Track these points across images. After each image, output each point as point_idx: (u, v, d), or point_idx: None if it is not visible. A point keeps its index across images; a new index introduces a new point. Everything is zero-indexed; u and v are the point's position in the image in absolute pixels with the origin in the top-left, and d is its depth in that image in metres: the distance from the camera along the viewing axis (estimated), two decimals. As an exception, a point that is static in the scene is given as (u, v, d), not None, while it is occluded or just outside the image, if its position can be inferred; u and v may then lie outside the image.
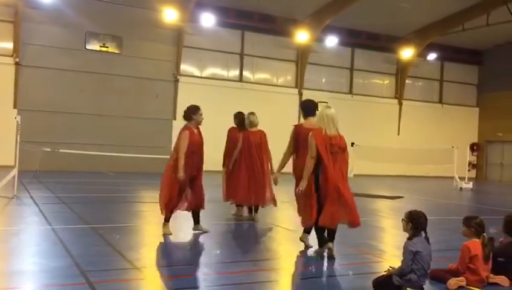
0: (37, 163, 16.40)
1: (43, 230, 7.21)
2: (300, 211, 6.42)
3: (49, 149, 17.14)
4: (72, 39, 20.17)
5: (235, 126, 9.36)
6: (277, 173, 7.12)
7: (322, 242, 6.07)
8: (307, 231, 6.44)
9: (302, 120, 7.07)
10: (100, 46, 20.64)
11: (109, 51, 20.79)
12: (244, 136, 8.65)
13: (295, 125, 6.94)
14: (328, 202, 5.84)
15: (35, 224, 7.71)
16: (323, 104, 8.30)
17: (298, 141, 6.56)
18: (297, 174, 6.46)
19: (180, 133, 7.14)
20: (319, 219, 5.91)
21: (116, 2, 20.44)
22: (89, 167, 19.13)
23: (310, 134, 5.99)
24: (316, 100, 7.28)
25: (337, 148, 5.97)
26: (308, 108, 6.84)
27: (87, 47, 20.47)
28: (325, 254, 5.98)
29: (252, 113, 8.82)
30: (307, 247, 6.40)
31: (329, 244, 5.93)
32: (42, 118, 19.47)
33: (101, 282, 4.60)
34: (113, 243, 6.31)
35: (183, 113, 7.28)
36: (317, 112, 6.59)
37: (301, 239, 6.67)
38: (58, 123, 19.78)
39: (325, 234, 6.11)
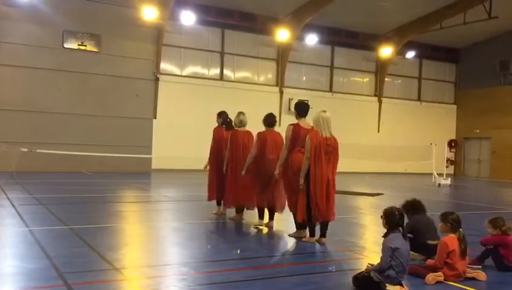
0: (13, 164, 16.11)
1: (20, 232, 7.08)
2: (293, 207, 6.95)
3: (26, 149, 16.86)
4: (50, 38, 19.83)
5: (219, 125, 9.25)
6: (278, 169, 7.20)
7: (314, 232, 6.80)
8: (303, 227, 6.93)
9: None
10: (78, 45, 20.33)
11: (87, 49, 20.49)
12: (232, 136, 8.52)
13: (293, 125, 7.14)
14: (320, 198, 6.54)
15: (11, 226, 7.57)
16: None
17: (297, 139, 6.91)
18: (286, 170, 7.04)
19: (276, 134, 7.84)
20: (318, 214, 6.59)
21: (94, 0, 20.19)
22: (67, 167, 18.87)
23: (308, 136, 6.62)
24: (298, 99, 7.56)
25: (331, 149, 6.67)
26: (302, 109, 7.24)
27: (65, 45, 20.14)
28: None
29: (242, 113, 8.68)
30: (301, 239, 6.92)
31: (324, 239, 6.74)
32: (19, 118, 19.13)
33: (79, 284, 4.54)
34: (92, 244, 6.23)
35: (266, 119, 7.92)
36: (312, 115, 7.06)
37: (293, 236, 7.03)
38: (35, 123, 19.44)
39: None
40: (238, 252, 5.98)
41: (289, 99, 24.26)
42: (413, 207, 6.11)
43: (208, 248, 6.24)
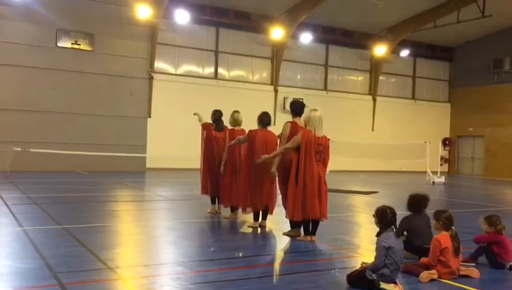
0: (7, 163, 16.05)
1: (14, 231, 7.05)
2: (286, 204, 6.93)
3: (20, 149, 16.79)
4: (43, 36, 19.71)
5: (210, 122, 9.22)
6: (274, 167, 7.22)
7: (308, 230, 6.82)
8: (298, 225, 6.92)
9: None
10: (72, 44, 20.23)
11: (81, 48, 20.40)
12: (230, 136, 8.47)
13: (291, 122, 7.15)
14: (311, 196, 6.55)
15: (5, 225, 7.52)
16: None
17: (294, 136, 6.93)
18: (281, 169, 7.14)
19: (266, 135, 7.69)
20: (310, 212, 6.61)
21: (87, -2, 20.08)
22: (61, 166, 18.81)
23: (300, 132, 6.67)
24: (292, 98, 7.62)
25: (322, 148, 6.65)
26: (298, 109, 7.25)
27: (59, 44, 20.03)
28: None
29: (237, 112, 8.66)
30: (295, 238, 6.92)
31: (314, 237, 6.78)
32: (12, 117, 19.02)
33: (73, 283, 4.53)
34: (86, 244, 6.21)
35: (261, 118, 7.75)
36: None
37: (288, 234, 7.05)
38: (29, 122, 19.34)
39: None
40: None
41: (284, 97, 24.26)
42: (413, 203, 6.05)
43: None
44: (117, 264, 5.42)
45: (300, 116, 7.19)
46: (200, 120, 9.38)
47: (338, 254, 6.34)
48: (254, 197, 7.64)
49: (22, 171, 17.04)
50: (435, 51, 29.34)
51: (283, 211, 7.15)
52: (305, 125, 6.79)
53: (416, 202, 6.04)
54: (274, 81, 24.86)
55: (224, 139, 8.61)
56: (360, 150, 23.52)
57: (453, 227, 5.20)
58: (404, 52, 27.59)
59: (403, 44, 26.96)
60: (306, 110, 7.15)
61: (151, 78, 21.89)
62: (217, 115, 9.16)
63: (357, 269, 4.79)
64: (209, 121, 9.24)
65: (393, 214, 4.74)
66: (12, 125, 18.92)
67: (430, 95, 29.98)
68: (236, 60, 24.18)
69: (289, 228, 7.13)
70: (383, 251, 4.56)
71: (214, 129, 8.99)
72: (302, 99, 8.13)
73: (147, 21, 20.78)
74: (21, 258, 5.51)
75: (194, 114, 9.60)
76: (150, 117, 21.92)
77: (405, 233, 5.66)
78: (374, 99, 27.75)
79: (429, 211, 6.00)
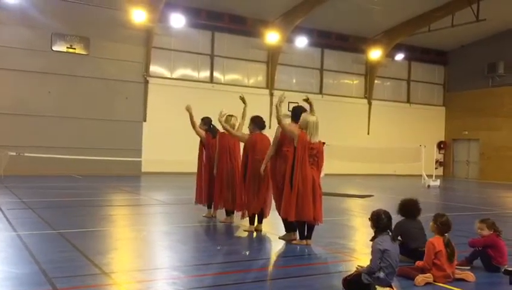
0: (1, 167, 15.96)
1: (8, 236, 7.01)
2: (280, 205, 6.91)
3: (14, 153, 16.72)
4: (38, 40, 19.66)
5: (205, 131, 9.24)
6: (264, 165, 7.26)
7: (304, 234, 6.79)
8: (293, 229, 6.90)
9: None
10: (67, 48, 20.19)
11: (76, 52, 20.37)
12: (220, 139, 8.51)
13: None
14: (305, 199, 6.52)
15: (-1, 230, 7.50)
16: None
17: (285, 140, 6.93)
18: (273, 176, 7.14)
19: (263, 139, 7.74)
20: (304, 216, 6.58)
21: (83, 2, 20.05)
22: (56, 170, 18.72)
23: (298, 132, 6.67)
24: (288, 101, 7.67)
25: (316, 152, 6.63)
26: (299, 114, 7.06)
27: (54, 48, 19.99)
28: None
29: (231, 116, 8.65)
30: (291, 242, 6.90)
31: (309, 241, 6.75)
32: (7, 121, 18.94)
33: (68, 289, 4.52)
34: (81, 249, 6.19)
35: (258, 122, 7.82)
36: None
37: (283, 238, 7.02)
38: (24, 126, 19.26)
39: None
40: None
41: (279, 101, 24.26)
42: (406, 209, 6.08)
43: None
44: (112, 269, 5.41)
45: (297, 122, 7.07)
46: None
47: (333, 258, 6.34)
48: (251, 200, 7.65)
49: (17, 175, 16.96)
50: (430, 55, 29.47)
51: (278, 215, 7.15)
52: (301, 128, 6.76)
53: (408, 208, 6.06)
54: (269, 85, 24.89)
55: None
56: (355, 154, 23.55)
57: (446, 234, 5.20)
58: (399, 56, 27.69)
59: (398, 48, 27.07)
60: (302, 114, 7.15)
61: (146, 82, 21.87)
62: (207, 122, 9.20)
63: (353, 273, 4.79)
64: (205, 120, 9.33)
65: (389, 217, 4.74)
66: (7, 129, 18.84)
67: (425, 99, 30.09)
68: (232, 64, 24.19)
69: (284, 232, 7.12)
70: (378, 254, 4.56)
71: (211, 137, 9.02)
72: (298, 103, 8.08)
73: (142, 25, 20.76)
74: (16, 263, 5.48)
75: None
76: (145, 121, 21.89)
77: (399, 238, 5.68)
78: (369, 103, 27.83)
79: (427, 214, 6.01)
